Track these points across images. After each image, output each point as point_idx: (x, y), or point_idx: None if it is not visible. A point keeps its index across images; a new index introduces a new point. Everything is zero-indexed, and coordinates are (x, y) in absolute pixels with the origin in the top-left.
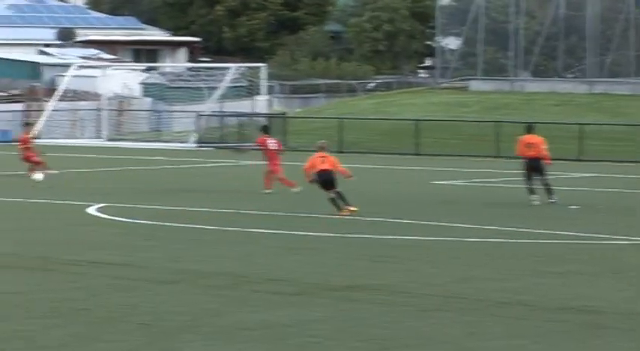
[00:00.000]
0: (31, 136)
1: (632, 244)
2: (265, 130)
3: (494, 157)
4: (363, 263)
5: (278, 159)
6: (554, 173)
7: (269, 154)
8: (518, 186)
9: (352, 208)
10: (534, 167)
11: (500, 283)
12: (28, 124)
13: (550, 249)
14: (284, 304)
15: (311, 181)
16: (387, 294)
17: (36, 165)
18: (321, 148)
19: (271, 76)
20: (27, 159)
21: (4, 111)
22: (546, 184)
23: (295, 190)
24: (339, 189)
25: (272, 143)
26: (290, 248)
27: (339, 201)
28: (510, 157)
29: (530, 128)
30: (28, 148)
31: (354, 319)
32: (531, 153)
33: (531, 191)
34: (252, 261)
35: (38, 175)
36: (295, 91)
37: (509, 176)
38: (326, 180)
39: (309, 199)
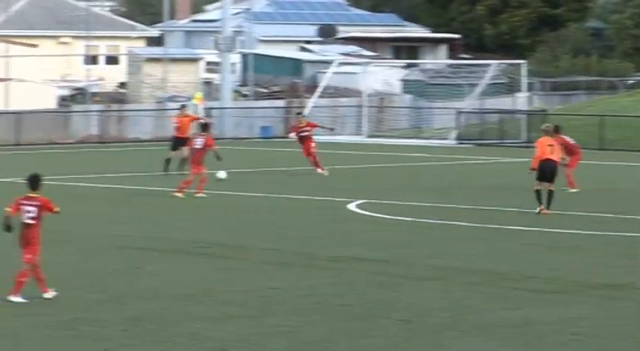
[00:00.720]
0: (302, 125)
1: None
2: (557, 129)
3: None
4: (623, 261)
5: (578, 156)
6: None
7: (572, 151)
8: None
9: (547, 211)
10: None
11: None
12: (300, 114)
13: None
14: (544, 301)
15: (532, 171)
16: None
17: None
18: (547, 132)
19: (531, 73)
20: (308, 154)
21: (265, 107)
22: None
23: (573, 190)
24: (553, 187)
25: (570, 139)
26: (549, 246)
27: (542, 198)
28: None
29: None
30: (302, 139)
31: (617, 318)
32: None
33: None
34: (512, 258)
35: (221, 174)
36: (555, 88)
37: None
38: (549, 171)
39: (573, 198)
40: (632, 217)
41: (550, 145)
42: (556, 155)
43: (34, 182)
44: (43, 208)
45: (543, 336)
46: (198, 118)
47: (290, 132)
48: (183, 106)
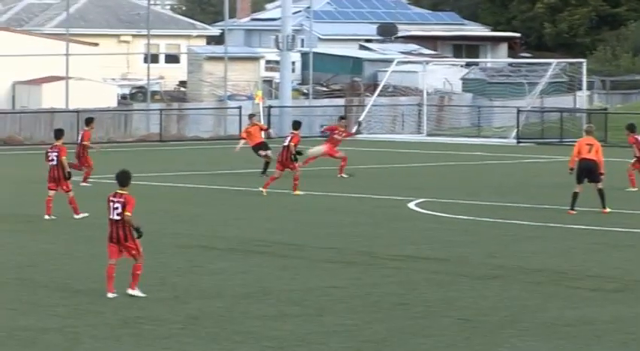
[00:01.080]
0: (340, 129)
1: None
2: (631, 128)
3: None
4: None
5: None
6: None
7: None
8: None
9: (605, 210)
10: None
11: None
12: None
13: None
14: (605, 300)
15: (572, 170)
16: None
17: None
18: (588, 133)
19: (591, 72)
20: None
21: (325, 106)
22: None
23: (632, 189)
24: (601, 186)
25: None
26: (610, 245)
27: (576, 201)
28: None
29: None
30: (332, 139)
31: None
32: None
33: None
34: (572, 257)
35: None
36: (616, 86)
37: None
38: (585, 170)
39: (636, 197)
40: None
41: (589, 145)
42: (593, 154)
43: (123, 178)
44: (124, 205)
45: (604, 335)
46: (266, 129)
47: (327, 128)
48: (251, 116)
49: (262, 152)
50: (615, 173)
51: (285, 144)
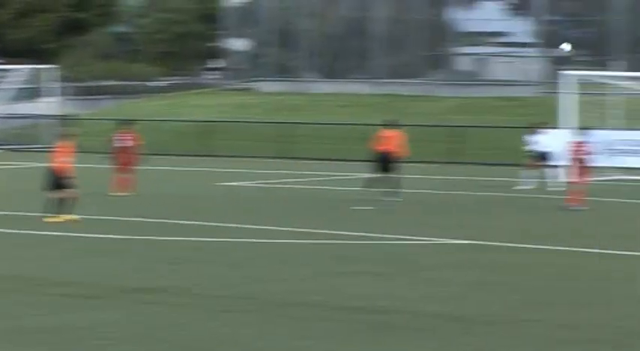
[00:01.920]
0: None
1: (425, 244)
2: (126, 126)
3: (282, 158)
4: (160, 266)
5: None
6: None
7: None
8: (309, 187)
9: (57, 219)
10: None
11: (291, 283)
12: None
13: (345, 250)
14: (78, 306)
15: None
16: (180, 296)
17: None
18: (63, 137)
19: (59, 78)
20: None
21: None
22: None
23: (121, 194)
24: (63, 194)
25: (121, 139)
26: (87, 251)
27: (54, 206)
28: (299, 158)
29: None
30: None
31: (149, 322)
32: (384, 147)
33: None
34: (46, 264)
35: None
36: (85, 92)
37: (298, 177)
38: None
39: (117, 203)
40: (162, 221)
41: (59, 151)
42: (59, 160)
43: None
44: None
45: (74, 342)
46: None
47: None
48: None
49: None
50: (90, 178)
51: None
